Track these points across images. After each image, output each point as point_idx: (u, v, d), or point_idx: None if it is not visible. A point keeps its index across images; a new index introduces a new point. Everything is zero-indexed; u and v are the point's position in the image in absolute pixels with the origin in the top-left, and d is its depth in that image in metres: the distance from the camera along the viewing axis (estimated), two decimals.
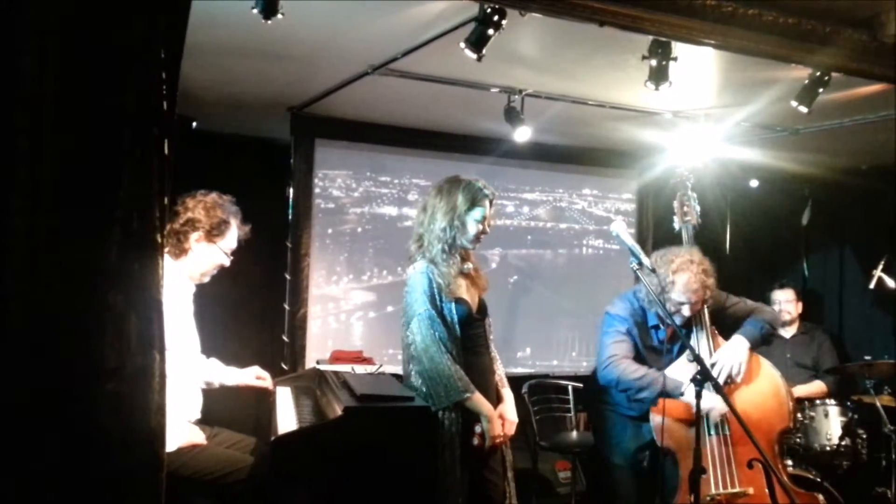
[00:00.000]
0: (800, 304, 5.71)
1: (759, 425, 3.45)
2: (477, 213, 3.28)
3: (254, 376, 3.62)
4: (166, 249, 3.21)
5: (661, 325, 3.75)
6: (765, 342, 3.84)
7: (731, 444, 3.56)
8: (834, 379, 5.36)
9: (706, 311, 3.79)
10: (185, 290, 3.31)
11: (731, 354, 3.65)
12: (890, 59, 3.47)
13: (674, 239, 4.28)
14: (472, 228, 3.29)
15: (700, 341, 3.73)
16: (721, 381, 3.57)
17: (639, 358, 3.76)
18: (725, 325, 3.93)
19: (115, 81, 1.90)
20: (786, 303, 5.64)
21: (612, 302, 3.92)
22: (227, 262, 3.36)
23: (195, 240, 3.25)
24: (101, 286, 1.87)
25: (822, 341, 5.63)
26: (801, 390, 5.17)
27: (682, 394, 3.51)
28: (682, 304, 3.64)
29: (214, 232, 3.27)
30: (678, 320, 3.69)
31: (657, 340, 3.78)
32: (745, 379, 3.67)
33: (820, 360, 5.53)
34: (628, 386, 3.63)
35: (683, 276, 3.60)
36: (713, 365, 3.62)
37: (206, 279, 3.39)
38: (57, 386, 1.84)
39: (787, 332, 5.66)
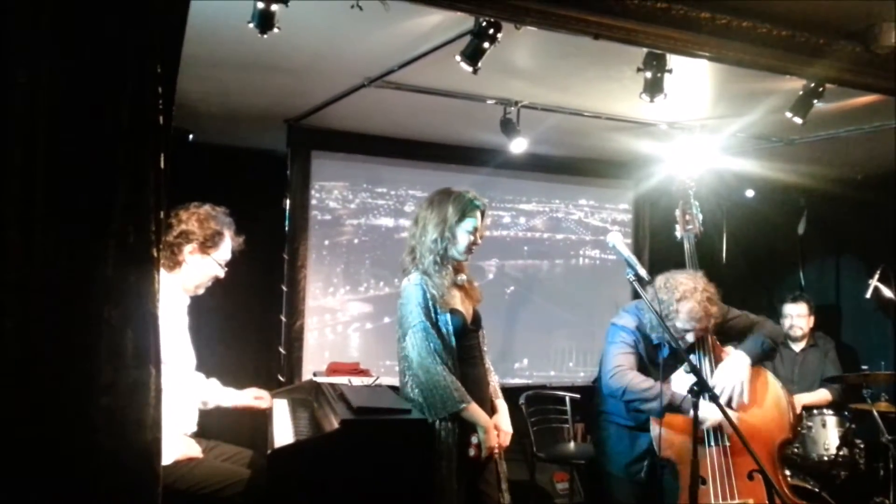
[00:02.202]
0: (812, 318, 5.61)
1: (759, 436, 3.45)
2: (468, 224, 3.28)
3: (252, 397, 3.58)
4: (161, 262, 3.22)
5: (664, 345, 3.73)
6: (767, 357, 3.78)
7: (731, 455, 3.54)
8: (839, 387, 5.32)
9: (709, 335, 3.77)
10: (180, 303, 3.30)
11: (732, 374, 3.61)
12: (883, 70, 3.49)
13: (670, 248, 4.28)
14: (463, 239, 3.29)
15: (703, 365, 3.70)
16: (723, 400, 3.55)
17: (643, 372, 3.74)
18: (727, 337, 3.91)
19: (110, 96, 1.91)
20: (797, 317, 5.54)
21: (619, 314, 3.88)
22: (221, 273, 3.35)
23: (189, 252, 3.23)
24: (97, 300, 1.88)
25: (827, 350, 5.59)
26: (806, 399, 5.15)
27: (688, 410, 3.49)
28: (687, 331, 3.62)
29: (208, 244, 3.26)
30: (682, 345, 3.66)
31: (660, 358, 3.76)
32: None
33: (825, 370, 5.48)
34: (634, 397, 3.59)
35: (687, 305, 3.56)
36: (714, 387, 3.60)
37: (201, 291, 3.38)
38: (52, 400, 1.84)
39: (798, 346, 5.59)
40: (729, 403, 3.58)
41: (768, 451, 3.54)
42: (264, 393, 3.64)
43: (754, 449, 2.84)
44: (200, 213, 3.28)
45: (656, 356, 3.75)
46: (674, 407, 3.52)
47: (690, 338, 3.64)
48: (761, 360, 3.72)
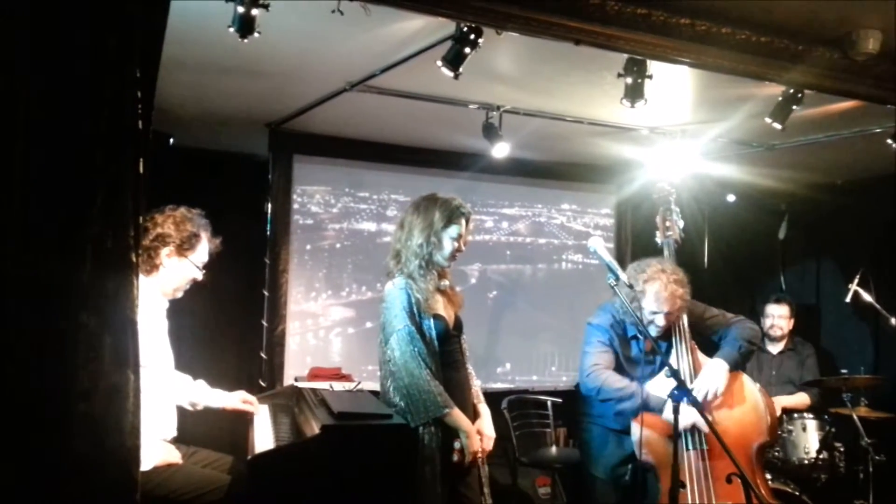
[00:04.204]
0: (792, 321, 5.66)
1: (736, 440, 3.46)
2: (453, 230, 3.30)
3: (240, 400, 3.55)
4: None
5: (640, 336, 3.76)
6: (744, 361, 3.82)
7: (710, 458, 3.56)
8: (817, 391, 5.37)
9: (685, 321, 3.79)
10: (158, 307, 3.28)
11: (709, 379, 3.65)
12: (861, 76, 3.52)
13: (652, 253, 4.29)
14: (448, 246, 3.31)
15: (680, 351, 3.73)
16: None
17: (619, 368, 3.77)
18: (704, 337, 3.93)
19: (88, 100, 1.89)
20: (779, 318, 5.60)
21: (595, 313, 3.93)
22: (199, 275, 3.33)
23: (166, 255, 3.22)
24: (74, 306, 1.86)
25: (806, 356, 5.62)
26: (785, 401, 5.17)
27: (661, 410, 3.52)
28: (655, 313, 3.66)
29: (185, 246, 3.24)
30: (654, 331, 3.70)
31: (637, 350, 3.80)
32: (723, 393, 3.67)
33: (803, 375, 5.52)
34: (609, 396, 3.64)
35: (654, 286, 3.63)
36: (691, 389, 3.62)
37: (180, 294, 3.36)
38: (29, 407, 1.82)
39: (776, 348, 5.64)
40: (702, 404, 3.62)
41: (746, 454, 3.56)
42: (252, 398, 3.62)
43: (731, 452, 2.86)
44: (176, 216, 3.26)
45: (631, 351, 3.79)
46: (648, 406, 3.54)
47: (661, 322, 3.66)
48: (739, 364, 3.75)
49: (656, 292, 3.62)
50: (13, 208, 1.82)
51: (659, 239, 4.15)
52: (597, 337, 3.80)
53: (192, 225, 3.27)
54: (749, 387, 3.72)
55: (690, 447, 3.58)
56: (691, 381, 3.66)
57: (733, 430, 3.56)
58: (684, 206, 4.33)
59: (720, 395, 3.64)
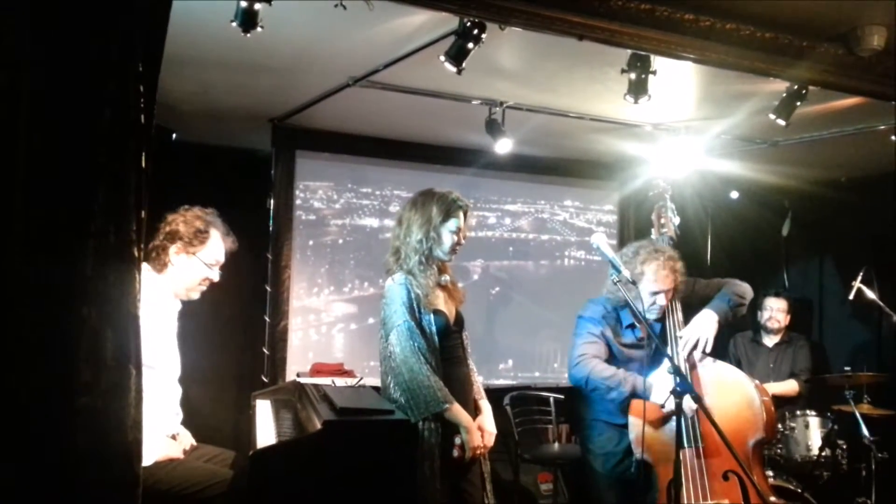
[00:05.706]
0: (789, 317, 5.72)
1: (731, 436, 3.42)
2: (451, 224, 3.30)
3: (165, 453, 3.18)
4: (149, 264, 3.18)
5: (637, 325, 3.77)
6: (735, 314, 3.85)
7: (704, 456, 3.54)
8: (806, 384, 5.40)
9: (678, 306, 3.81)
10: (170, 307, 3.24)
11: (697, 329, 3.69)
12: (866, 72, 3.51)
13: None
14: (448, 240, 3.30)
15: (673, 334, 3.74)
16: (685, 353, 3.65)
17: (613, 358, 3.77)
18: (698, 308, 3.93)
19: (91, 96, 1.89)
20: (777, 311, 5.67)
21: (584, 306, 3.94)
22: (212, 275, 3.28)
23: (174, 252, 3.19)
24: (76, 300, 1.86)
25: (799, 346, 5.67)
26: (773, 388, 5.18)
27: (648, 396, 3.53)
28: (656, 293, 3.67)
29: (193, 242, 3.22)
30: (654, 313, 3.71)
31: (633, 338, 3.80)
32: (716, 390, 3.65)
33: (795, 362, 5.57)
34: (597, 385, 3.64)
35: (652, 265, 3.66)
36: (679, 338, 3.68)
37: (195, 295, 3.29)
38: (29, 400, 1.82)
39: (771, 341, 5.69)
40: (691, 354, 3.67)
41: (742, 450, 3.52)
42: (177, 454, 3.21)
43: (729, 445, 2.85)
44: (187, 215, 3.25)
45: (624, 339, 3.80)
46: (636, 394, 3.56)
47: (662, 301, 3.69)
48: (729, 316, 3.79)
49: (655, 271, 3.65)
50: (16, 203, 1.81)
51: (654, 235, 4.16)
52: (586, 329, 3.81)
53: (201, 222, 3.24)
54: (743, 382, 3.69)
55: (685, 445, 3.56)
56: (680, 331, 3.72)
57: (727, 426, 3.53)
58: (687, 202, 4.33)
59: (709, 344, 3.67)
